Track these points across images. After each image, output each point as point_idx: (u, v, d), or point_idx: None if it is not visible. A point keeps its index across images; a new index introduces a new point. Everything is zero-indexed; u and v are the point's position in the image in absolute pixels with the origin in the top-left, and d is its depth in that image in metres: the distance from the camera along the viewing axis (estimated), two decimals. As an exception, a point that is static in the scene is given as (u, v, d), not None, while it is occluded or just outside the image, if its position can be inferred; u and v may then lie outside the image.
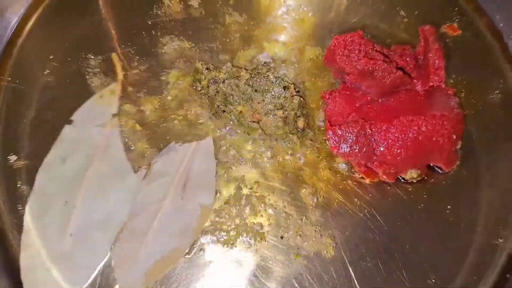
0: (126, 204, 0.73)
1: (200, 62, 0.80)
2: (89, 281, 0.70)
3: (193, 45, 0.85)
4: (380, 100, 0.76)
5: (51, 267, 0.70)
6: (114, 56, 0.81)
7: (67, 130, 0.77)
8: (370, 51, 0.75)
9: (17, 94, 0.82)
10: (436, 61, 0.75)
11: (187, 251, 0.72)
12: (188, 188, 0.74)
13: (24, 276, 0.70)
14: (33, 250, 0.71)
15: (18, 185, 0.76)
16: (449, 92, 0.78)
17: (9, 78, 0.83)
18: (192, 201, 0.73)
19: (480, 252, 0.75)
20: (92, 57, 0.84)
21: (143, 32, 0.86)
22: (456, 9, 0.89)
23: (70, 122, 0.78)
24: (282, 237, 0.75)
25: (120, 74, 0.80)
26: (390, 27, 0.85)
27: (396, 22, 0.87)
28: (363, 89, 0.77)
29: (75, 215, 0.72)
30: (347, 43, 0.75)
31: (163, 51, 0.84)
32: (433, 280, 0.73)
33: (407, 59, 0.77)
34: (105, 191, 0.74)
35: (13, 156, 0.78)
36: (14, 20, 0.87)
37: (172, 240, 0.71)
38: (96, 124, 0.77)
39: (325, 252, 0.74)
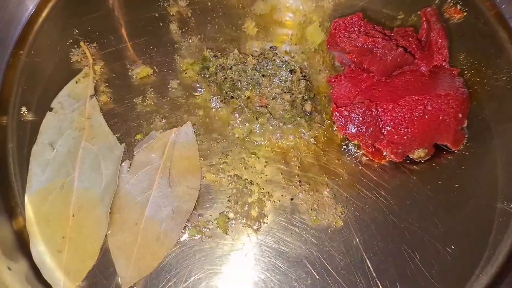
0: (116, 174, 0.76)
1: (208, 50, 0.82)
2: (96, 259, 0.73)
3: (201, 35, 0.86)
4: (385, 81, 0.77)
5: (62, 248, 0.73)
6: (82, 44, 0.85)
7: (49, 117, 0.81)
8: (371, 31, 0.76)
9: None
10: (439, 40, 0.77)
11: (180, 233, 0.74)
12: (173, 174, 0.77)
13: (38, 263, 0.73)
14: (41, 238, 0.74)
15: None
16: (453, 72, 0.79)
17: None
18: (179, 186, 0.76)
19: (490, 226, 0.75)
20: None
21: (151, 24, 0.88)
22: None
23: (50, 109, 0.81)
24: (289, 218, 0.76)
25: (90, 58, 0.84)
26: (393, 11, 0.86)
27: (399, 7, 0.89)
28: (365, 69, 0.78)
29: (74, 196, 0.75)
30: (347, 25, 0.76)
31: (171, 42, 0.86)
32: (444, 258, 0.73)
33: (409, 39, 0.78)
34: (98, 167, 0.77)
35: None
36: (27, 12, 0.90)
37: (165, 224, 0.74)
38: (76, 107, 0.81)
39: (335, 232, 0.75)
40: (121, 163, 0.77)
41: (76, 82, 0.83)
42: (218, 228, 0.75)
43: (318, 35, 0.83)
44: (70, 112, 0.81)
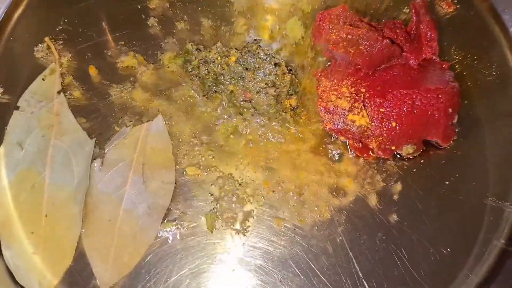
0: (88, 170, 0.74)
1: (190, 43, 0.79)
2: (71, 260, 0.71)
3: (183, 27, 0.84)
4: (372, 75, 0.75)
5: (35, 251, 0.71)
6: (47, 39, 0.82)
7: (16, 116, 0.78)
8: (356, 22, 0.74)
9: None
10: (428, 33, 0.74)
11: (158, 229, 0.72)
12: (147, 170, 0.74)
13: (11, 266, 0.71)
14: (13, 240, 0.71)
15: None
16: (443, 65, 0.76)
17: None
18: (154, 181, 0.74)
19: (480, 224, 0.73)
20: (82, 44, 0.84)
21: (132, 17, 0.85)
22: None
23: (17, 108, 0.78)
24: (274, 217, 0.74)
25: (55, 53, 0.81)
26: (381, 4, 0.84)
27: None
28: (352, 62, 0.75)
29: (46, 196, 0.73)
30: (332, 16, 0.74)
31: (152, 35, 0.84)
32: (432, 258, 0.71)
33: (397, 31, 0.76)
34: (70, 165, 0.75)
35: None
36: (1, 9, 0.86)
37: (142, 221, 0.72)
38: (43, 105, 0.78)
39: (321, 231, 0.73)
40: (92, 161, 0.75)
41: (43, 79, 0.80)
42: (200, 226, 0.73)
43: (298, 29, 0.80)
44: (37, 110, 0.78)
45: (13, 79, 0.81)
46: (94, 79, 0.81)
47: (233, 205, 0.74)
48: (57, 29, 0.84)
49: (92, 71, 0.81)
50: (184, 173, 0.75)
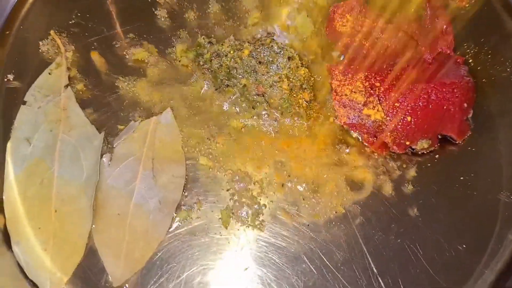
0: (97, 164, 0.73)
1: (203, 36, 0.78)
2: (82, 255, 0.70)
3: (193, 20, 0.83)
4: (387, 69, 0.74)
5: (46, 246, 0.70)
6: (52, 33, 0.81)
7: (23, 111, 0.77)
8: (371, 15, 0.73)
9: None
10: (444, 26, 0.73)
11: (170, 224, 0.71)
12: (157, 164, 0.74)
13: (21, 262, 0.70)
14: (22, 235, 0.70)
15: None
16: (458, 60, 0.76)
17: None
18: (164, 175, 0.73)
19: (495, 220, 0.72)
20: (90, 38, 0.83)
21: (142, 11, 0.84)
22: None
23: (24, 103, 0.77)
24: (290, 212, 0.73)
25: (62, 47, 0.80)
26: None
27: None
28: (366, 55, 0.74)
29: (55, 191, 0.72)
30: (346, 9, 0.73)
31: (163, 28, 0.82)
32: (447, 254, 0.71)
33: (412, 24, 0.75)
34: (78, 159, 0.74)
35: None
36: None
37: (153, 216, 0.71)
38: (50, 99, 0.77)
39: (335, 226, 0.72)
40: (101, 157, 0.74)
41: (49, 73, 0.79)
42: (212, 222, 0.72)
43: (307, 26, 0.79)
44: (44, 104, 0.77)
45: (23, 68, 0.80)
46: (103, 72, 0.80)
47: (246, 201, 0.73)
48: (65, 23, 0.83)
49: (95, 56, 0.80)
50: (197, 161, 0.74)
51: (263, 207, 0.73)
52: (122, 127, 0.76)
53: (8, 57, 0.82)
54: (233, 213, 0.72)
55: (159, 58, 0.80)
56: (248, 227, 0.72)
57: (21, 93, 0.78)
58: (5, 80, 0.80)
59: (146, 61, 0.80)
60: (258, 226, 0.72)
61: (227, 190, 0.73)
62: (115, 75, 0.80)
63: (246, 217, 0.72)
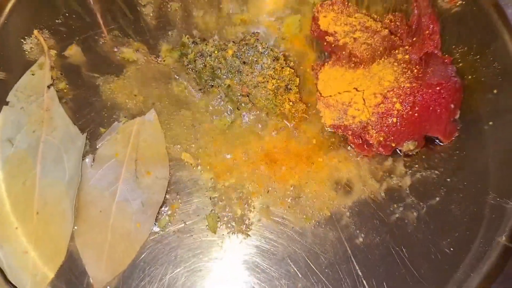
0: (79, 165, 0.72)
1: (187, 36, 0.77)
2: (64, 257, 0.69)
3: (178, 20, 0.82)
4: (372, 69, 0.73)
5: (28, 249, 0.69)
6: (36, 32, 0.80)
7: (6, 112, 0.76)
8: (356, 14, 0.72)
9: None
10: (430, 26, 0.72)
11: (153, 225, 0.71)
12: (140, 165, 0.73)
13: (4, 266, 0.69)
14: (4, 238, 0.70)
15: None
16: (446, 60, 0.74)
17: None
18: (147, 176, 0.72)
19: (481, 223, 0.72)
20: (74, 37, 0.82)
21: (126, 10, 0.83)
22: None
23: (6, 103, 0.76)
24: (274, 214, 0.72)
25: (45, 46, 0.79)
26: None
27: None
28: (351, 54, 0.73)
29: (37, 193, 0.71)
30: (329, 8, 0.72)
31: (148, 28, 0.82)
32: (433, 256, 0.70)
33: (398, 23, 0.74)
34: (61, 160, 0.73)
35: None
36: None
37: (136, 218, 0.70)
38: (33, 100, 0.76)
39: (320, 229, 0.71)
40: (84, 157, 0.73)
41: (32, 74, 0.78)
42: (196, 224, 0.71)
43: (292, 26, 0.78)
44: (27, 105, 0.76)
45: (6, 65, 0.80)
46: (85, 72, 0.79)
47: (230, 202, 0.72)
48: (49, 21, 0.82)
49: (72, 52, 0.79)
50: (181, 162, 0.74)
51: (248, 212, 0.72)
52: (104, 129, 0.76)
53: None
54: (219, 218, 0.71)
55: (145, 57, 0.79)
56: (234, 233, 0.71)
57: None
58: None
59: (130, 60, 0.79)
60: (244, 231, 0.71)
61: (211, 192, 0.73)
62: (98, 75, 0.79)
63: (232, 222, 0.71)
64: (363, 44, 0.71)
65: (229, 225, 0.72)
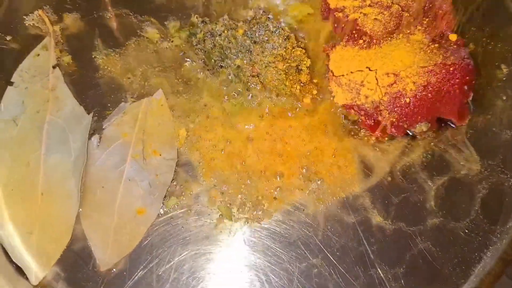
0: (85, 145, 0.71)
1: (196, 15, 0.76)
2: (69, 238, 0.68)
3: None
4: (384, 49, 0.72)
5: (32, 229, 0.68)
6: (41, 12, 0.79)
7: (10, 92, 0.74)
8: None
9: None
10: (443, 5, 0.71)
11: (160, 207, 0.69)
12: (147, 146, 0.71)
13: (6, 245, 0.68)
14: (8, 219, 0.68)
15: None
16: (458, 42, 0.73)
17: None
18: (154, 157, 0.71)
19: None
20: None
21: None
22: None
23: (11, 84, 0.75)
24: (284, 196, 0.70)
25: (50, 27, 0.78)
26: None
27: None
28: (361, 31, 0.72)
29: (42, 173, 0.70)
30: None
31: (156, 8, 0.80)
32: (447, 238, 0.69)
33: (409, 2, 0.73)
34: (66, 141, 0.72)
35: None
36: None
37: (143, 199, 0.69)
38: (38, 80, 0.75)
39: (331, 211, 0.70)
40: (90, 138, 0.72)
41: (38, 55, 0.76)
42: (203, 206, 0.70)
43: (303, 6, 0.77)
44: (32, 85, 0.74)
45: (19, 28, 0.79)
46: (92, 52, 0.78)
47: (239, 186, 0.71)
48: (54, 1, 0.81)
49: (68, 20, 0.78)
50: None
51: (257, 191, 0.70)
52: (110, 111, 0.74)
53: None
54: (229, 204, 0.70)
55: (151, 38, 0.78)
56: (248, 221, 0.69)
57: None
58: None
59: (136, 41, 0.78)
60: (258, 218, 0.69)
61: (218, 174, 0.71)
62: (103, 55, 0.78)
63: (241, 203, 0.70)
64: (374, 20, 0.70)
65: (237, 207, 0.70)
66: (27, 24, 0.79)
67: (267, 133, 0.73)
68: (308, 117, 0.73)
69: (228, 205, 0.70)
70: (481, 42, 0.78)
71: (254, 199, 0.70)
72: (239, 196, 0.70)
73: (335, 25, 0.76)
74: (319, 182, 0.71)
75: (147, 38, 0.78)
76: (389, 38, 0.72)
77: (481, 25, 0.78)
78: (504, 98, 0.75)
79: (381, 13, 0.70)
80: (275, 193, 0.71)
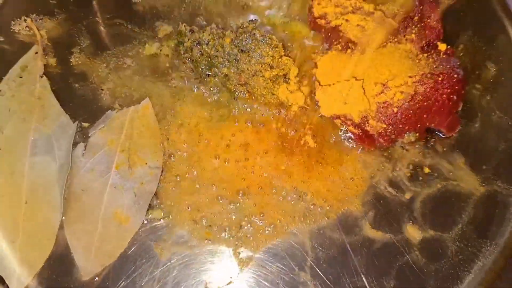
0: (69, 153, 0.71)
1: (184, 24, 0.76)
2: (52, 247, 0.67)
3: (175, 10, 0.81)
4: (372, 58, 0.71)
5: (15, 238, 0.67)
6: (29, 21, 0.79)
7: None
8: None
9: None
10: (432, 15, 0.71)
11: (145, 217, 0.69)
12: (133, 154, 0.71)
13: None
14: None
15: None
16: (448, 51, 0.73)
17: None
18: (140, 166, 0.70)
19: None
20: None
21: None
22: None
23: None
24: (273, 210, 0.70)
25: (38, 35, 0.78)
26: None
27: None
28: (347, 41, 0.72)
29: (26, 182, 0.69)
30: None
31: (141, 17, 0.81)
32: (437, 251, 0.67)
33: (396, 10, 0.73)
34: (52, 149, 0.71)
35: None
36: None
37: (127, 208, 0.68)
38: (25, 89, 0.75)
39: (318, 223, 0.69)
40: (76, 146, 0.72)
41: (25, 64, 0.76)
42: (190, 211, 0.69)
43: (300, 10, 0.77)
44: (19, 93, 0.74)
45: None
46: (80, 60, 0.78)
47: (224, 197, 0.70)
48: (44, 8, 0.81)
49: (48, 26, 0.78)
50: (174, 155, 0.72)
51: (243, 204, 0.69)
52: (96, 119, 0.74)
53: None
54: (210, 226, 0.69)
55: (136, 47, 0.78)
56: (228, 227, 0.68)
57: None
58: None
59: (124, 50, 0.78)
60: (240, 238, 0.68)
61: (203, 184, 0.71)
62: (93, 63, 0.78)
63: (229, 231, 0.69)
64: (357, 27, 0.70)
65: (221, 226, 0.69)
66: (16, 30, 0.79)
67: (251, 142, 0.72)
68: (296, 125, 0.73)
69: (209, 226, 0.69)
70: (472, 52, 0.78)
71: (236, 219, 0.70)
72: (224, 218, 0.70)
73: (323, 34, 0.76)
74: (308, 197, 0.70)
75: (135, 46, 0.78)
76: (376, 47, 0.71)
77: (472, 36, 0.79)
78: (494, 107, 0.75)
79: (364, 19, 0.70)
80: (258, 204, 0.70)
